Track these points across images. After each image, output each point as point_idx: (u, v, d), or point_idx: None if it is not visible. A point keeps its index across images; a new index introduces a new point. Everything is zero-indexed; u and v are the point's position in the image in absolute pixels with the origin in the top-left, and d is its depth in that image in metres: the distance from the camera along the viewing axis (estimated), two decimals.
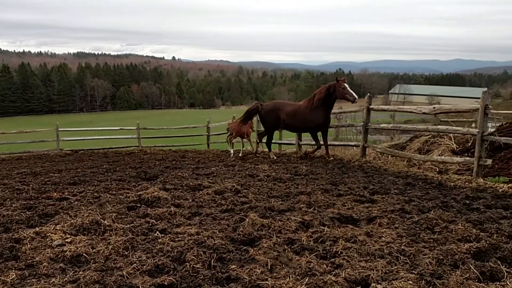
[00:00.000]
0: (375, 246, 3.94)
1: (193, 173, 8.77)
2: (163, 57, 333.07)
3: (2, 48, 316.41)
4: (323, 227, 4.54)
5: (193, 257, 3.70)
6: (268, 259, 3.69)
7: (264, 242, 4.10)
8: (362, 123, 10.58)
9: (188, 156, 12.85)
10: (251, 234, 4.35)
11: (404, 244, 3.99)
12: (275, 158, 11.15)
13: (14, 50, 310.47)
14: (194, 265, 3.55)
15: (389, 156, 10.37)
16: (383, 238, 4.17)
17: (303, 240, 4.17)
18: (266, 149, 12.06)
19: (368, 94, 11.40)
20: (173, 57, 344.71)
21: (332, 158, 10.42)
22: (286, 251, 3.95)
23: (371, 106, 10.47)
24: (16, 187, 7.78)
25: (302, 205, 5.63)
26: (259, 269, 3.48)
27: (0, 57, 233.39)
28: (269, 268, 3.56)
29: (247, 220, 4.73)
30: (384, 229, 4.48)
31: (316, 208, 5.48)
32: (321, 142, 10.93)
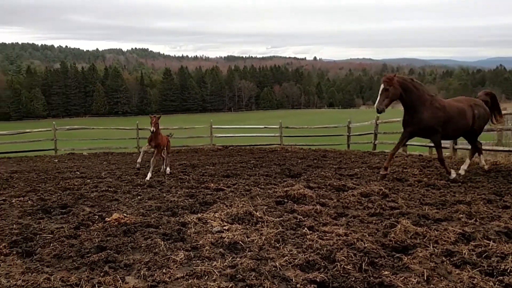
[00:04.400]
0: None
1: (336, 173, 8.73)
2: (305, 58, 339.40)
3: (165, 53, 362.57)
4: (487, 241, 4.06)
5: (343, 257, 3.68)
6: (425, 270, 3.45)
7: (419, 251, 3.85)
8: None
9: (328, 156, 12.82)
10: (403, 241, 4.12)
11: None
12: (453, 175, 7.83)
13: (175, 55, 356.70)
14: (345, 266, 3.52)
15: None
16: None
17: (464, 253, 3.79)
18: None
19: None
20: (315, 57, 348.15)
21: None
22: (445, 263, 3.64)
23: None
24: (179, 176, 8.82)
25: (461, 215, 5.13)
26: (415, 279, 3.28)
27: (163, 61, 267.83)
28: (425, 278, 3.33)
29: (398, 226, 4.51)
30: None
31: (477, 219, 4.94)
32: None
